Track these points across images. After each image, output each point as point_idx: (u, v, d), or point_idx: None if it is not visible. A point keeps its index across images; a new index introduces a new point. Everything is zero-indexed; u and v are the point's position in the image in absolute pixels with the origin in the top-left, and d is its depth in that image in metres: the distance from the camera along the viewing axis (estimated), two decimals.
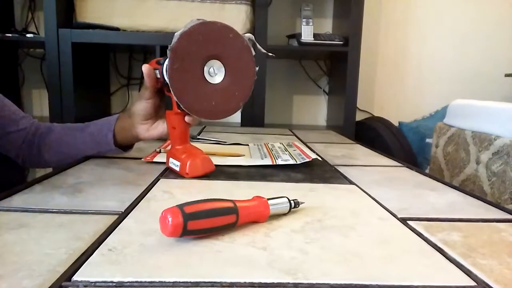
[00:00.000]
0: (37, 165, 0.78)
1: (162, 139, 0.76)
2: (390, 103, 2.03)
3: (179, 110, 0.65)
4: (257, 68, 0.60)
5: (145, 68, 0.63)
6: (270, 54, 0.62)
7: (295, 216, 0.47)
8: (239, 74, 0.56)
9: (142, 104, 0.68)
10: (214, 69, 0.55)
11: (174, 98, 0.57)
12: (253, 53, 0.58)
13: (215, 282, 0.31)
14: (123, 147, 0.74)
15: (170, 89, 0.53)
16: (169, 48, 0.52)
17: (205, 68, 0.55)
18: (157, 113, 0.69)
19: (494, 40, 2.01)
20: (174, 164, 0.66)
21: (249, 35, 0.58)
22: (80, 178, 0.62)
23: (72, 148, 0.74)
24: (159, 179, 0.63)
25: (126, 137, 0.72)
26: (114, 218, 0.45)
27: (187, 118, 0.65)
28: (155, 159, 0.75)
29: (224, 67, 0.55)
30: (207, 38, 0.53)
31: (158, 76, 0.63)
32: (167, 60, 0.55)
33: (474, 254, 0.39)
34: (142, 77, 0.69)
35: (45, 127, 0.77)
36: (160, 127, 0.70)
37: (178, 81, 0.51)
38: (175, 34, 0.53)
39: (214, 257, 0.36)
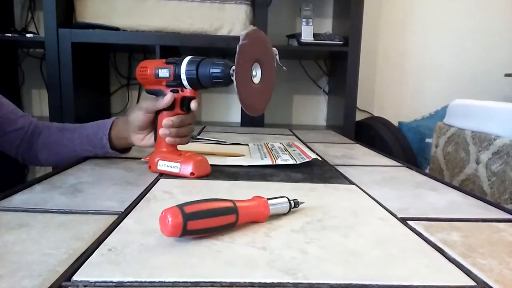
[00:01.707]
0: (36, 164, 0.78)
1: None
2: (390, 103, 2.03)
3: (181, 111, 0.66)
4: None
5: (170, 97, 0.65)
6: (284, 68, 0.71)
7: (295, 216, 0.47)
8: (267, 80, 0.62)
9: (140, 115, 0.67)
10: (256, 71, 0.61)
11: (237, 94, 0.58)
12: (275, 64, 0.65)
13: (215, 282, 0.31)
14: (120, 149, 0.74)
15: (234, 81, 0.56)
16: (239, 44, 0.56)
17: (252, 69, 0.60)
18: (153, 124, 0.69)
19: (494, 40, 2.01)
20: (170, 166, 0.66)
21: (274, 49, 0.65)
22: (80, 178, 0.62)
23: (69, 150, 0.74)
24: (159, 179, 0.63)
25: (122, 143, 0.73)
26: (114, 218, 0.45)
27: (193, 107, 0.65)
28: None
29: (261, 71, 0.61)
30: (257, 43, 0.61)
31: (167, 75, 0.64)
32: (235, 59, 0.57)
33: (474, 254, 0.39)
34: None
35: (44, 127, 0.77)
36: (154, 138, 0.70)
37: (241, 75, 0.57)
38: (242, 33, 0.58)
39: (214, 257, 0.36)
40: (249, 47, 0.58)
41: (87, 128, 0.74)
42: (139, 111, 0.67)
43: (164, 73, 0.64)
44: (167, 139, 0.66)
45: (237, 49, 0.56)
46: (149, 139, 0.70)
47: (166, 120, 0.65)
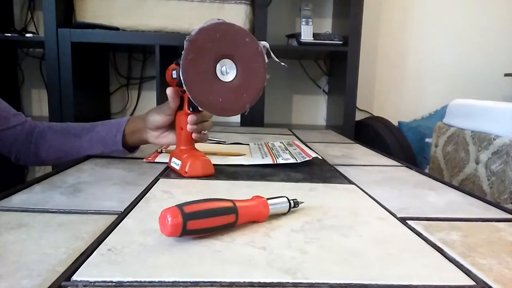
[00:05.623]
0: (33, 164, 0.78)
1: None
2: (390, 102, 2.03)
3: (189, 111, 0.66)
4: (268, 76, 0.61)
5: (169, 91, 0.66)
6: (283, 64, 0.66)
7: (294, 215, 0.47)
8: (250, 77, 0.59)
9: (159, 117, 0.70)
10: (226, 68, 0.57)
11: (186, 92, 0.57)
12: (266, 60, 0.60)
13: (214, 282, 0.31)
14: (130, 147, 0.74)
15: (181, 78, 0.54)
16: (186, 39, 0.54)
17: (218, 66, 0.57)
18: (170, 125, 0.71)
19: (494, 40, 2.01)
20: (176, 163, 0.67)
21: (264, 42, 0.60)
22: (80, 178, 0.62)
23: (74, 147, 0.74)
24: (159, 179, 0.63)
25: (135, 139, 0.74)
26: (113, 218, 0.45)
27: (189, 118, 0.66)
28: (156, 160, 0.75)
29: (236, 68, 0.58)
30: (224, 38, 0.56)
31: (175, 76, 0.64)
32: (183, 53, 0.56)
33: (473, 253, 0.39)
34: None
35: (44, 126, 0.77)
36: (170, 136, 0.72)
37: (190, 71, 0.54)
38: (195, 28, 0.55)
39: (214, 256, 0.36)
40: (206, 42, 0.55)
41: (97, 126, 0.75)
42: (159, 113, 0.69)
43: (174, 74, 0.65)
44: (194, 135, 0.67)
45: (185, 44, 0.53)
46: (164, 137, 0.72)
47: (191, 116, 0.66)
